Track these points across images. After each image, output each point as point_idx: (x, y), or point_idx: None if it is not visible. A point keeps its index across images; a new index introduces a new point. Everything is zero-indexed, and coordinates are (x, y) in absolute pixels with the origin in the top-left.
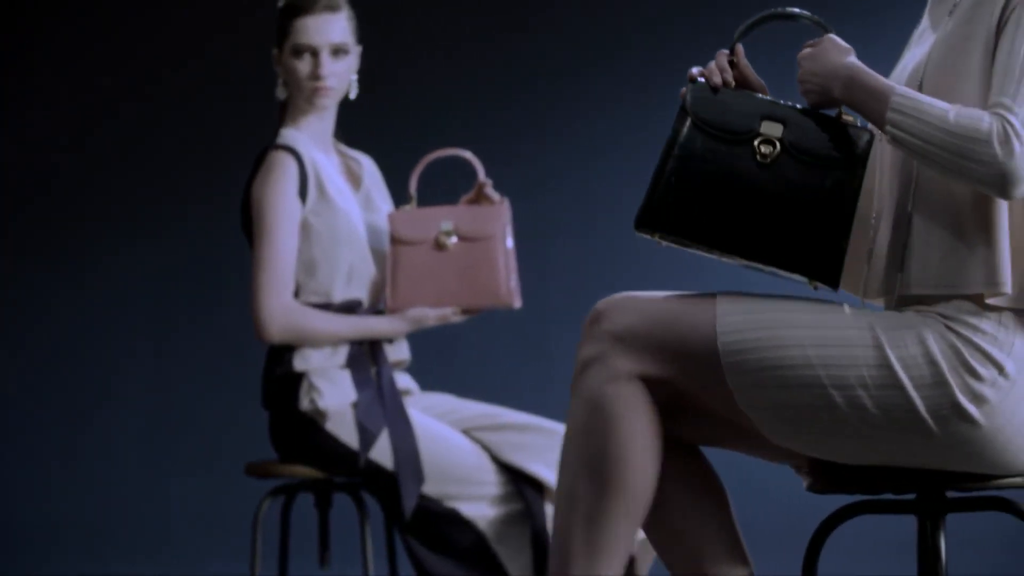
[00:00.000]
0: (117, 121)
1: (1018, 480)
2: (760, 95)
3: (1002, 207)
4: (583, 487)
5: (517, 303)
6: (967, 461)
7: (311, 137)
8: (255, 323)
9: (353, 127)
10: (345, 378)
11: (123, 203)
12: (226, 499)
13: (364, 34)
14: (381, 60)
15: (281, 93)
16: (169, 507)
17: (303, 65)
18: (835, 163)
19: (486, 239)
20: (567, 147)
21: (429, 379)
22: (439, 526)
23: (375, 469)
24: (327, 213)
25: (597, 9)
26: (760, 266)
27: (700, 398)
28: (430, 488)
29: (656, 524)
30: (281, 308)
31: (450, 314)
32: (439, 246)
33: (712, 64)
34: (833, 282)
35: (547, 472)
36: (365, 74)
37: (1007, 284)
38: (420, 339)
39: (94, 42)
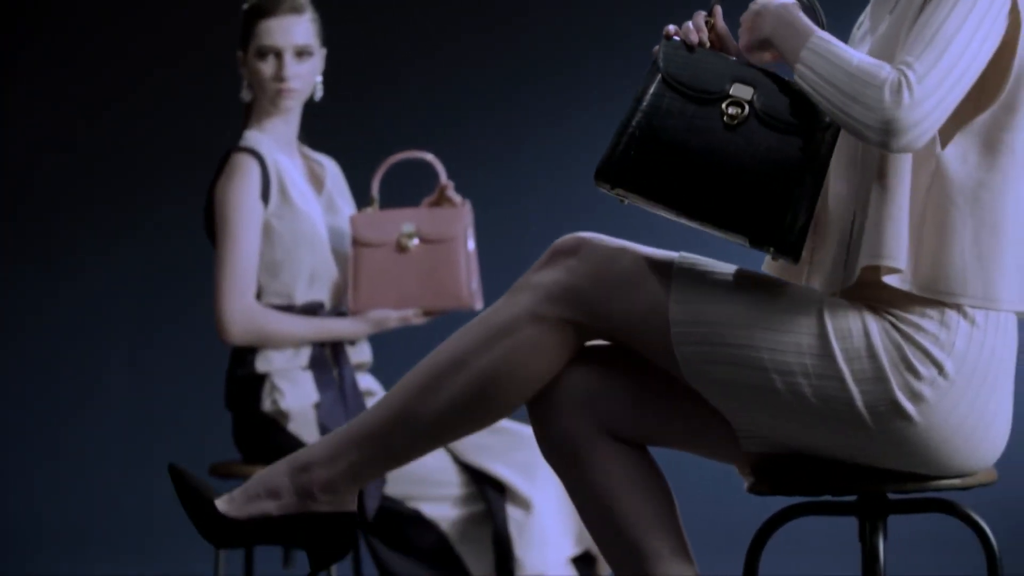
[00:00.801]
0: (98, 123)
1: (955, 482)
2: (734, 58)
3: (936, 201)
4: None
5: (478, 305)
6: (902, 459)
7: (275, 139)
8: (217, 325)
9: (318, 129)
10: (307, 379)
11: (105, 205)
12: None
13: (330, 36)
14: (347, 62)
15: (246, 95)
16: (149, 507)
17: (267, 67)
18: (804, 132)
19: (447, 241)
20: (535, 149)
21: (393, 381)
22: (402, 527)
23: None
24: (289, 215)
25: (568, 11)
26: (718, 232)
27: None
28: (392, 489)
29: (601, 524)
30: (243, 310)
31: (411, 316)
32: (400, 248)
33: (689, 23)
34: (794, 255)
35: (509, 473)
36: (330, 76)
37: (899, 261)
38: (383, 341)
39: (76, 45)
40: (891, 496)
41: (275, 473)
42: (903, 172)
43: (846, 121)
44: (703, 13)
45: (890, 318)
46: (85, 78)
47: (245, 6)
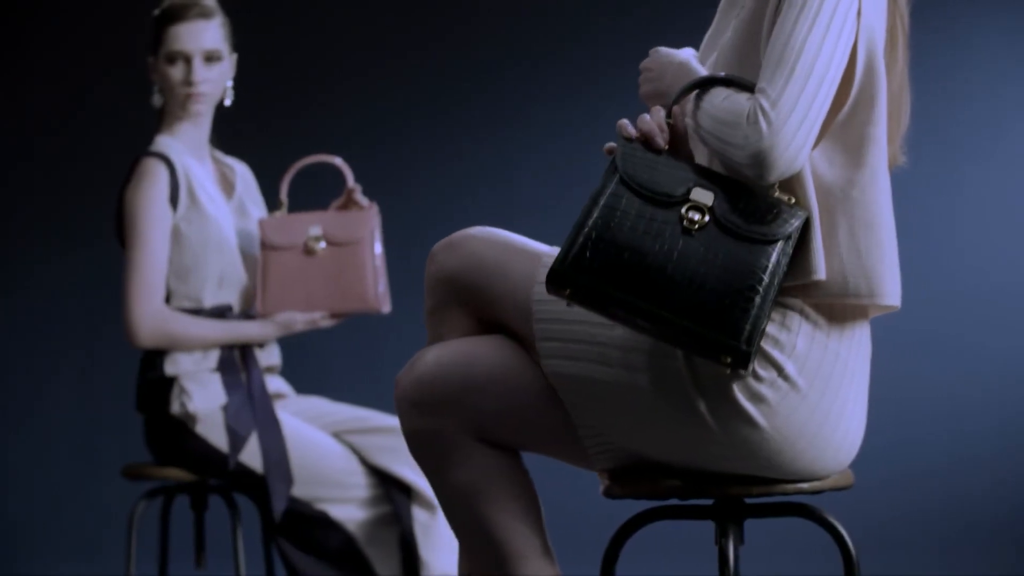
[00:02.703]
0: (46, 131)
1: (809, 485)
2: (694, 161)
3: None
4: None
5: (386, 308)
6: (747, 462)
7: (185, 144)
8: (126, 328)
9: (233, 134)
10: (215, 382)
11: (53, 212)
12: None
13: (242, 40)
14: (259, 66)
15: (157, 100)
16: (98, 512)
17: (176, 72)
18: (763, 240)
19: (354, 244)
20: (441, 150)
21: (303, 383)
22: (309, 528)
23: (245, 472)
24: (198, 220)
25: (493, 10)
26: (668, 342)
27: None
28: (300, 491)
29: (465, 524)
30: (151, 313)
31: (319, 319)
32: (308, 251)
33: (650, 123)
34: (744, 363)
35: (415, 475)
36: (247, 80)
37: None
38: (293, 343)
39: (28, 50)
40: (748, 500)
41: None
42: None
43: (732, 167)
44: (662, 112)
45: None
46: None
47: (155, 12)
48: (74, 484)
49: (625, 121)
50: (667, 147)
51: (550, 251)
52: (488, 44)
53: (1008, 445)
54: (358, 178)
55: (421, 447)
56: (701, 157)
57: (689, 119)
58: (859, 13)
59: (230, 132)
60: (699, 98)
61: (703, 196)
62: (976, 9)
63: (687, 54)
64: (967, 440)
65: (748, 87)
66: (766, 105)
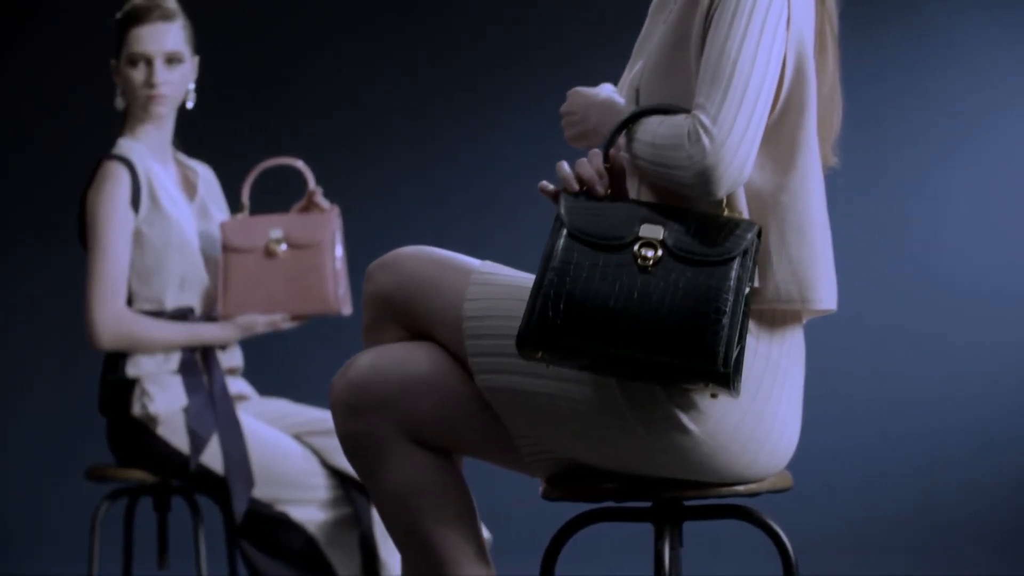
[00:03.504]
0: (25, 131)
1: (740, 488)
2: (637, 200)
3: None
4: None
5: (347, 310)
6: (679, 468)
7: (148, 146)
8: (87, 331)
9: (198, 136)
10: (176, 384)
11: (34, 213)
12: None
13: (206, 42)
14: (225, 69)
15: (119, 103)
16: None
17: (137, 74)
18: (720, 260)
19: (315, 246)
20: (406, 152)
21: (265, 384)
22: (270, 529)
23: (206, 473)
24: (159, 222)
25: (453, 13)
26: (651, 381)
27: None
28: (260, 492)
29: (399, 527)
30: (112, 316)
31: (279, 320)
32: (269, 254)
33: (589, 169)
34: (731, 387)
35: None
36: (213, 82)
37: None
38: (255, 345)
39: (6, 52)
40: (687, 503)
41: None
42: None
43: (677, 190)
44: (599, 156)
45: None
46: (10, 87)
47: (117, 15)
48: (42, 485)
49: (567, 172)
50: (609, 191)
51: (482, 266)
52: (460, 45)
53: (984, 445)
54: (322, 180)
55: (355, 450)
56: (635, 190)
57: (624, 153)
58: (789, 20)
59: (195, 134)
60: (632, 130)
61: (652, 231)
62: (954, 11)
63: (607, 91)
64: (943, 440)
65: (679, 111)
66: (706, 121)
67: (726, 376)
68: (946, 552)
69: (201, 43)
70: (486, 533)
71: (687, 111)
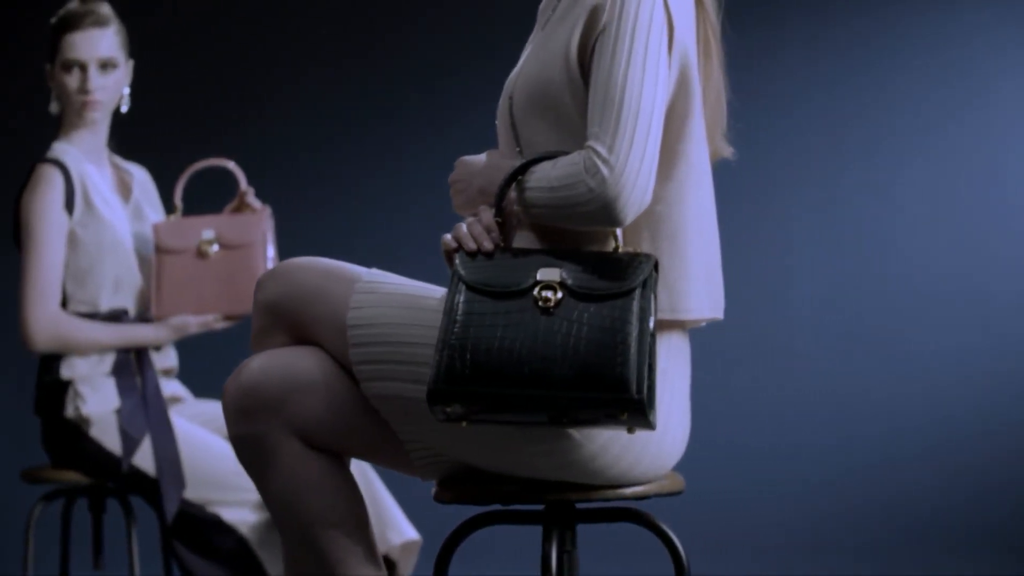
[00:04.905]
0: None
1: (626, 491)
2: (531, 248)
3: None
4: None
5: None
6: (565, 471)
7: (82, 150)
8: (22, 333)
9: (134, 138)
10: (109, 385)
11: None
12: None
13: (138, 48)
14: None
15: (54, 108)
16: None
17: (72, 79)
18: (620, 293)
19: (246, 247)
20: (341, 153)
21: (201, 386)
22: (203, 530)
23: (138, 475)
24: (93, 225)
25: (373, 15)
26: (566, 426)
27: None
28: (192, 494)
29: (289, 528)
30: (46, 318)
31: (212, 321)
32: (201, 254)
33: (478, 228)
34: (642, 412)
35: None
36: (144, 86)
37: None
38: (192, 346)
39: None
40: (579, 506)
41: None
42: None
43: (585, 227)
44: (489, 212)
45: None
46: None
47: (52, 20)
48: None
49: (450, 239)
50: (502, 243)
51: (367, 275)
52: (390, 45)
53: (939, 444)
54: (256, 181)
55: (246, 452)
56: (528, 241)
57: (517, 206)
58: (671, 35)
59: (132, 136)
60: (522, 182)
61: (550, 274)
62: (910, 12)
63: (494, 155)
64: (898, 439)
65: (565, 155)
66: (602, 151)
67: (640, 403)
68: (902, 551)
69: (139, 45)
70: (415, 535)
71: (568, 153)
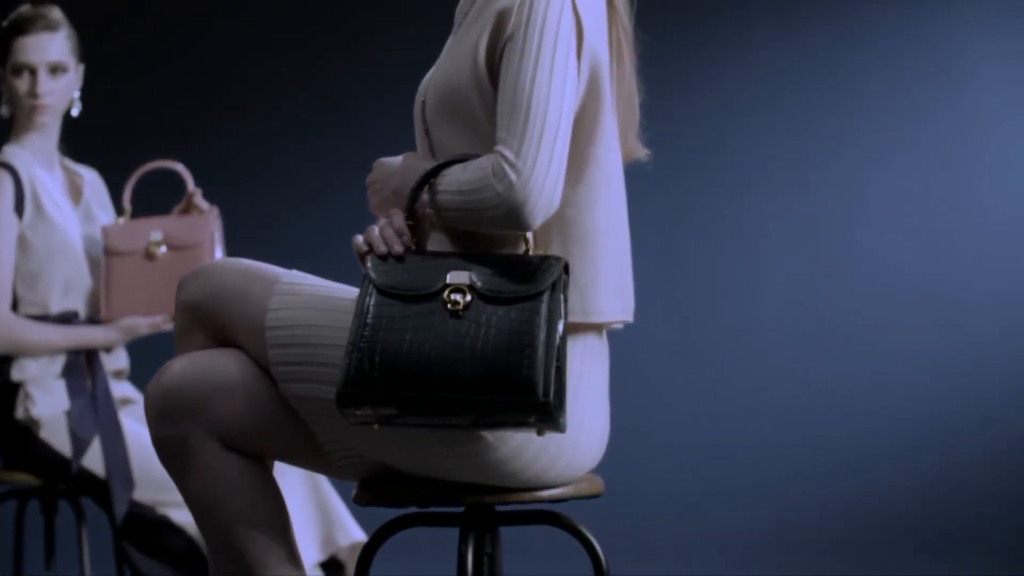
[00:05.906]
0: None
1: (544, 494)
2: (442, 251)
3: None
4: None
5: None
6: (480, 473)
7: (32, 153)
8: None
9: (85, 141)
10: (60, 387)
11: None
12: None
13: (94, 50)
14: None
15: (4, 111)
16: None
17: (22, 83)
18: (528, 296)
19: (194, 247)
20: (290, 154)
21: None
22: (152, 532)
23: (88, 476)
24: (43, 227)
25: (331, 14)
26: (475, 428)
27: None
28: (142, 495)
29: (209, 529)
30: None
31: (161, 322)
32: (149, 256)
33: (389, 231)
34: (548, 415)
35: None
36: (102, 88)
37: None
38: (144, 347)
39: None
40: (499, 508)
41: None
42: None
43: (494, 230)
44: (400, 216)
45: None
46: None
47: (3, 23)
48: None
49: (361, 241)
50: (413, 246)
51: (287, 276)
52: (355, 46)
53: (911, 445)
54: (204, 182)
55: (167, 455)
56: (439, 243)
57: (429, 209)
58: (581, 39)
59: (83, 139)
60: (434, 185)
61: (459, 277)
62: (878, 15)
63: (409, 158)
64: (869, 440)
65: (476, 158)
66: (510, 156)
67: (547, 405)
68: (872, 551)
69: (90, 47)
70: (362, 536)
71: (479, 156)
